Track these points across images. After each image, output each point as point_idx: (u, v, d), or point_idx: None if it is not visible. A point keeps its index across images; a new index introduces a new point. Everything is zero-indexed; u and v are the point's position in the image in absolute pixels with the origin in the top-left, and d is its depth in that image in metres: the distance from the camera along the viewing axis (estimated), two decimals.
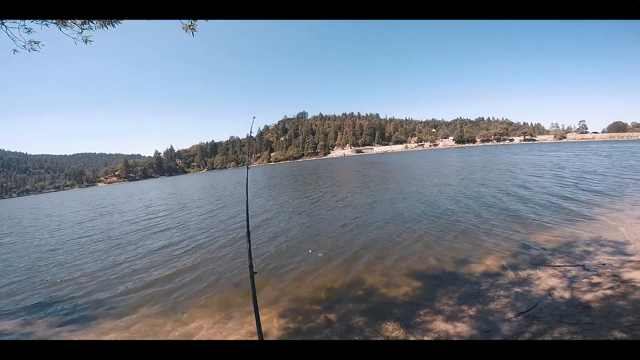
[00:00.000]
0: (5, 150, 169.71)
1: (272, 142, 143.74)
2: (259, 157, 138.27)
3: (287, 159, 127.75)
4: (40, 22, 4.08)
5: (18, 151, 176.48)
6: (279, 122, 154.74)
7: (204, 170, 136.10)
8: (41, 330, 4.69)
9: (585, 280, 4.36)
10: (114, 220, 15.94)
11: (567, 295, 4.04)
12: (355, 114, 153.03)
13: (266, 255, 6.98)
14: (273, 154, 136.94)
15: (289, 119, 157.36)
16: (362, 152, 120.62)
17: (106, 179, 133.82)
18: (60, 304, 5.61)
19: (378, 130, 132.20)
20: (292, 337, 3.79)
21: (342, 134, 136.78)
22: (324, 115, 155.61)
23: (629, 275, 4.26)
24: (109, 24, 3.76)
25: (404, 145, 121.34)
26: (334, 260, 6.25)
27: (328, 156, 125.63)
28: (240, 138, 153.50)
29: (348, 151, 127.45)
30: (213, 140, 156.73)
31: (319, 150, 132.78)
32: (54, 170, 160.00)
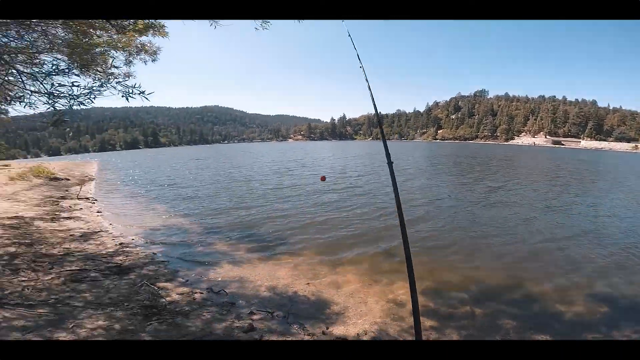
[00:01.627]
0: (234, 108, 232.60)
1: (441, 119, 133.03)
2: (424, 133, 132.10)
3: (457, 139, 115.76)
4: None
5: (241, 110, 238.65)
6: (452, 98, 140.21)
7: (368, 139, 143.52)
8: (238, 252, 5.41)
9: None
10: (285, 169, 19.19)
11: None
12: (560, 97, 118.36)
13: (425, 234, 6.53)
14: (440, 131, 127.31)
15: (463, 96, 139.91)
16: (562, 145, 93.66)
17: (294, 136, 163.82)
18: (249, 232, 6.92)
19: (592, 121, 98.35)
20: (429, 317, 3.57)
21: (535, 119, 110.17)
22: (510, 95, 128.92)
23: None
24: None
25: (634, 145, 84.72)
26: (499, 259, 5.31)
27: (511, 142, 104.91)
28: (407, 112, 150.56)
29: (541, 140, 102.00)
30: (380, 112, 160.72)
31: (499, 134, 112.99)
32: (261, 126, 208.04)
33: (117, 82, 5.71)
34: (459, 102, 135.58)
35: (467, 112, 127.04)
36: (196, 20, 5.16)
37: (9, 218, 6.14)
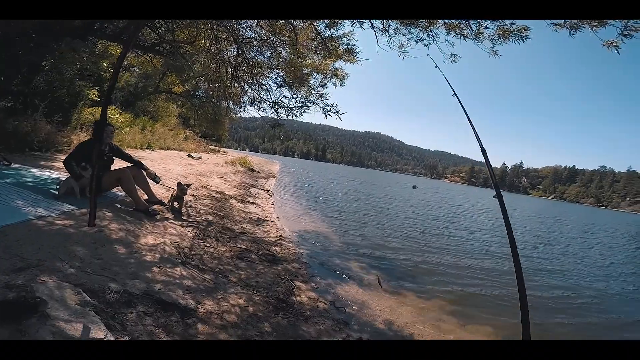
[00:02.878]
0: (394, 138, 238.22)
1: None
2: (638, 202, 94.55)
3: None
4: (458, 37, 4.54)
5: (400, 140, 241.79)
6: None
7: (549, 197, 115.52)
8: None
9: None
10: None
11: None
12: None
13: None
14: None
15: None
16: None
17: (451, 177, 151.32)
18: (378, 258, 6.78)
19: None
20: None
21: None
22: None
23: None
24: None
25: None
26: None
27: None
28: (617, 171, 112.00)
29: None
30: (574, 166, 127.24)
31: None
32: (417, 159, 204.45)
33: (315, 100, 6.57)
34: None
35: None
36: (384, 50, 5.30)
37: (216, 192, 7.84)
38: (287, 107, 6.29)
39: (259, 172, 18.27)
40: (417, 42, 5.03)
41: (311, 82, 6.95)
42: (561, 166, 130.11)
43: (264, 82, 6.95)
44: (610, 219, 47.55)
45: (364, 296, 4.33)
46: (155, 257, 3.16)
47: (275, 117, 6.39)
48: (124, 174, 4.31)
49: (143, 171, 4.68)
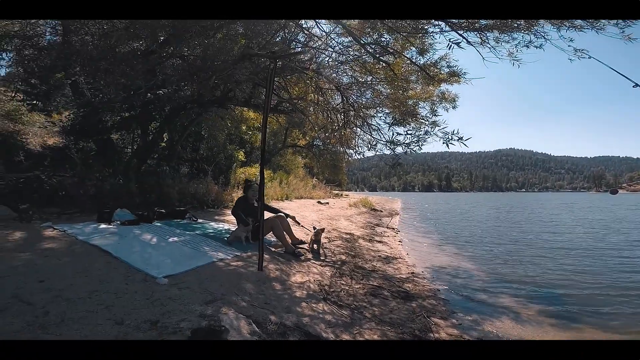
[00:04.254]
0: (533, 151, 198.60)
1: None
2: None
3: None
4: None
5: (544, 152, 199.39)
6: None
7: None
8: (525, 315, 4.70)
9: None
10: None
11: None
12: None
13: None
14: None
15: None
16: None
17: (629, 185, 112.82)
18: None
19: None
20: None
21: None
22: None
23: None
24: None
25: None
26: None
27: None
28: None
29: None
30: None
31: None
32: (572, 172, 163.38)
33: (436, 129, 6.46)
34: None
35: None
36: (493, 62, 4.89)
37: (346, 233, 8.33)
38: (403, 143, 6.39)
39: (382, 211, 18.34)
40: (527, 46, 4.54)
41: (419, 111, 6.92)
42: None
43: (372, 123, 7.33)
44: None
45: (522, 332, 3.71)
46: (303, 294, 3.60)
47: (393, 155, 6.54)
48: (275, 222, 5.20)
49: (289, 219, 5.53)
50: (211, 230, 5.67)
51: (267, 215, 5.49)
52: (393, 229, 11.76)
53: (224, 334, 2.32)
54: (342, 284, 4.28)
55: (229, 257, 4.20)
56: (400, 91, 6.66)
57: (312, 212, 11.48)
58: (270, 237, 5.49)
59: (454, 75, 6.03)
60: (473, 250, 8.98)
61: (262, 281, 3.64)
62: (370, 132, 7.33)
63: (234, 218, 5.40)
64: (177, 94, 7.25)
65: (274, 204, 7.90)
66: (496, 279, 5.96)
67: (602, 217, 19.99)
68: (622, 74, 2.26)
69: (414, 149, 6.16)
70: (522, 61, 4.73)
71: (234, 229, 5.22)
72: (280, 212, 5.66)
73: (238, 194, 9.47)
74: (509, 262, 7.41)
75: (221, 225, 6.20)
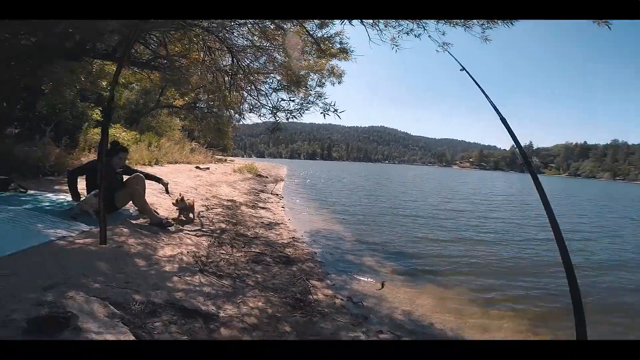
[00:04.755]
0: (398, 129, 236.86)
1: None
2: None
3: None
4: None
5: (405, 131, 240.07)
6: None
7: (562, 175, 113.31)
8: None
9: None
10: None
11: None
12: None
13: None
14: None
15: None
16: None
17: (460, 163, 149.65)
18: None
19: None
20: None
21: None
22: None
23: None
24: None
25: None
26: None
27: None
28: (630, 143, 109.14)
29: None
30: (585, 142, 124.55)
31: None
32: (424, 149, 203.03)
33: (314, 100, 6.61)
34: None
35: None
36: (377, 44, 5.30)
37: (227, 200, 7.98)
38: (287, 110, 6.35)
39: (267, 177, 18.45)
40: (407, 33, 5.04)
41: (309, 83, 7.01)
42: (572, 143, 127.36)
43: (262, 88, 7.03)
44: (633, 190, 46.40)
45: (381, 290, 4.36)
46: (174, 268, 3.27)
47: (274, 121, 6.45)
48: (136, 190, 4.44)
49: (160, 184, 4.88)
50: (47, 204, 4.42)
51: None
52: (277, 195, 12.01)
53: (72, 320, 1.91)
54: (222, 253, 4.12)
55: (73, 235, 3.39)
56: (295, 60, 6.53)
57: (188, 178, 10.50)
58: (130, 207, 4.74)
59: (344, 52, 6.24)
60: (344, 214, 10.07)
61: (120, 258, 3.11)
62: (258, 97, 7.01)
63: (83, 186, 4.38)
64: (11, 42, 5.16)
65: (142, 170, 6.83)
66: (363, 242, 6.80)
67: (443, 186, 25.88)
68: (456, 59, 2.36)
69: (296, 116, 6.26)
70: (401, 47, 5.25)
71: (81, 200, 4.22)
72: (159, 180, 4.95)
73: (89, 157, 7.73)
74: (373, 226, 8.63)
75: (62, 197, 4.91)
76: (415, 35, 4.92)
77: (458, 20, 3.63)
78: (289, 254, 4.85)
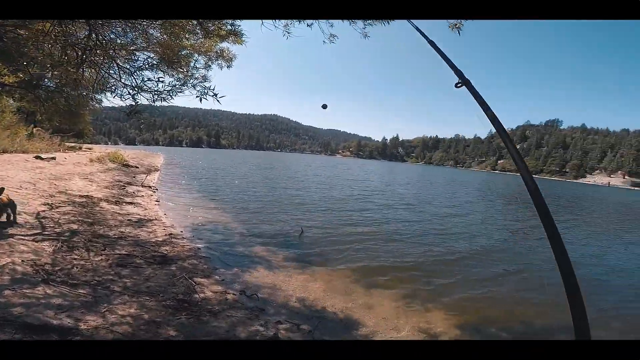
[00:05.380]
0: (290, 119, 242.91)
1: (504, 148, 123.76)
2: (482, 162, 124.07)
3: (518, 172, 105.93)
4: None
5: (296, 121, 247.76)
6: (518, 127, 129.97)
7: (420, 163, 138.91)
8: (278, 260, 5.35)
9: None
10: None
11: None
12: None
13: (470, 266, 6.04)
14: (501, 161, 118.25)
15: (532, 125, 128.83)
16: None
17: (342, 152, 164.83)
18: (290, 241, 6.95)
19: None
20: None
21: (614, 156, 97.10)
22: (588, 127, 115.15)
23: None
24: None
25: None
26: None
27: (580, 180, 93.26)
28: (466, 137, 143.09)
29: (617, 180, 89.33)
30: (437, 136, 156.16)
31: (567, 170, 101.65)
32: (313, 139, 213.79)
33: (196, 83, 6.06)
34: (527, 132, 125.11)
35: (535, 143, 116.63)
36: (270, 30, 5.30)
37: (80, 196, 6.72)
38: (154, 91, 5.61)
39: (137, 167, 16.15)
40: (300, 21, 4.98)
41: (191, 64, 6.42)
42: (428, 136, 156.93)
43: (125, 66, 6.05)
44: (467, 176, 60.23)
45: (274, 279, 4.41)
46: (4, 280, 2.70)
47: (133, 103, 5.55)
48: None
49: None
50: None
51: None
52: (150, 187, 10.75)
53: None
54: (75, 258, 3.56)
55: None
56: (176, 39, 5.80)
57: (22, 170, 8.31)
58: None
59: (234, 34, 5.90)
60: (233, 205, 9.73)
61: None
62: (120, 75, 6.00)
63: None
64: None
65: None
66: (252, 233, 6.73)
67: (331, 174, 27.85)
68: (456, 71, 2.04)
69: (165, 99, 5.59)
70: (292, 35, 5.17)
71: None
72: None
73: None
74: (263, 216, 8.57)
75: None
76: (308, 25, 4.83)
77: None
78: (165, 252, 4.51)
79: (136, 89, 5.36)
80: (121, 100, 5.74)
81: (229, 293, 3.62)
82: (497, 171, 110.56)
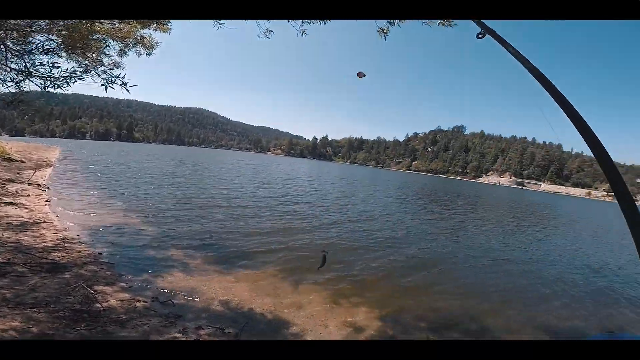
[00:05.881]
0: (217, 113, 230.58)
1: (418, 150, 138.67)
2: (399, 163, 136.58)
3: (429, 172, 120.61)
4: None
5: (224, 116, 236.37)
6: (431, 131, 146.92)
7: (346, 162, 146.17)
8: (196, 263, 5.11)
9: None
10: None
11: None
12: (529, 139, 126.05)
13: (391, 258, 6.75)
14: (415, 162, 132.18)
15: (442, 130, 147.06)
16: (524, 187, 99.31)
17: (273, 150, 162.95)
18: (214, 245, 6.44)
19: (555, 165, 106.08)
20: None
21: (504, 159, 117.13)
22: (486, 134, 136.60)
23: None
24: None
25: (587, 191, 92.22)
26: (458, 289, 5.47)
27: (477, 180, 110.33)
28: (387, 140, 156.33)
29: (505, 180, 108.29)
30: (361, 137, 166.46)
31: (468, 171, 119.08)
32: (242, 135, 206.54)
33: (102, 71, 5.48)
34: (437, 136, 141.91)
35: (443, 147, 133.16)
36: (197, 20, 5.11)
37: None
38: (48, 76, 4.93)
39: (23, 162, 13.62)
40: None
41: (101, 48, 5.75)
42: (354, 137, 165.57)
43: (16, 48, 5.15)
44: (386, 175, 64.85)
45: (192, 283, 4.20)
46: None
47: (17, 90, 4.80)
48: None
49: None
50: None
51: None
52: (39, 185, 9.31)
53: None
54: None
55: None
56: (88, 22, 5.13)
57: None
58: None
59: (155, 21, 5.46)
60: (143, 206, 8.83)
61: None
62: (6, 57, 5.09)
63: None
64: None
65: None
66: (165, 234, 6.26)
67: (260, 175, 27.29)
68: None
69: (60, 85, 4.95)
70: (224, 26, 4.99)
71: None
72: None
73: None
74: (176, 217, 7.95)
75: None
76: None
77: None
78: (56, 259, 4.07)
79: (24, 74, 4.62)
80: (2, 86, 4.89)
81: (138, 300, 3.42)
82: (411, 171, 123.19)
